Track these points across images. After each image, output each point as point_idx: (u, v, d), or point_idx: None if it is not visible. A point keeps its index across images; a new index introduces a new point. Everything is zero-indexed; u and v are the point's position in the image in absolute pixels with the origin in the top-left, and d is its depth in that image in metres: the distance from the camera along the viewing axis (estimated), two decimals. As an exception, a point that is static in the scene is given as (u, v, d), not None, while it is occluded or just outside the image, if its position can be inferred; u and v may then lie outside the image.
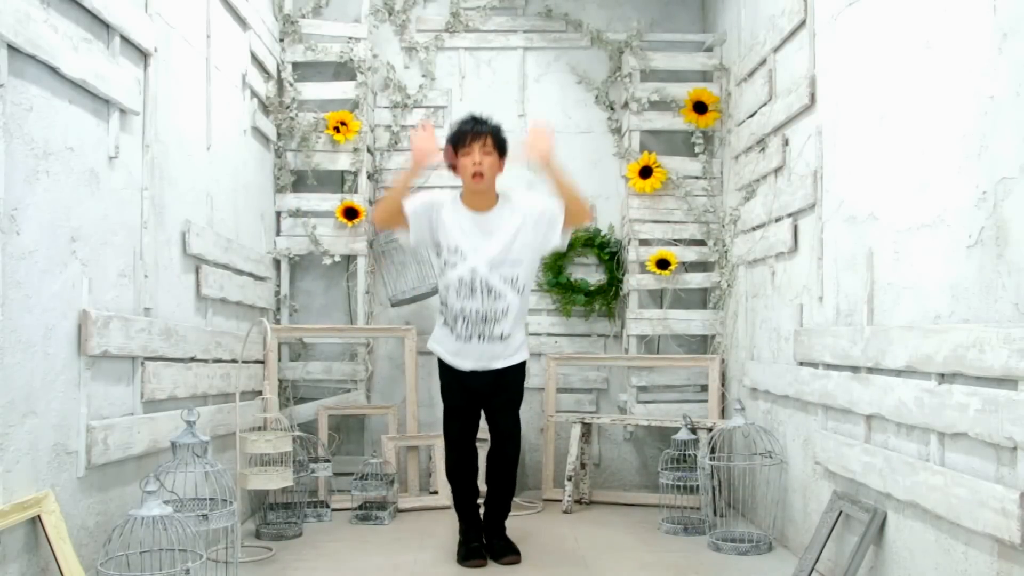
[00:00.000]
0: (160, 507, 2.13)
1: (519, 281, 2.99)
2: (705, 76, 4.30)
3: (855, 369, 2.55)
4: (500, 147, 3.02)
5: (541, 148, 2.96)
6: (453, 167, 3.05)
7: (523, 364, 3.12)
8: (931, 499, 2.08)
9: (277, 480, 3.11)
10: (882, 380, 2.36)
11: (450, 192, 3.12)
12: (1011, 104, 1.82)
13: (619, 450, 4.31)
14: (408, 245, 3.15)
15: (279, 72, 4.12)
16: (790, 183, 3.19)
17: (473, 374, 3.03)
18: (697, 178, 4.23)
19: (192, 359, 2.94)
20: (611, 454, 4.31)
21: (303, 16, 4.23)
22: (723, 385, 4.04)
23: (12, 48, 1.90)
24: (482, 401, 3.11)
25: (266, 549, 3.16)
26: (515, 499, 3.95)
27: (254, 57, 3.72)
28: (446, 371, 3.11)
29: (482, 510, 3.17)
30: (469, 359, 3.02)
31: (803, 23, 3.03)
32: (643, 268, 4.19)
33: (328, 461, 3.77)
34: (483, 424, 3.15)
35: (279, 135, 4.12)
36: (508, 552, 3.06)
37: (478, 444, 3.19)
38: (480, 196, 3.01)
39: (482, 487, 3.18)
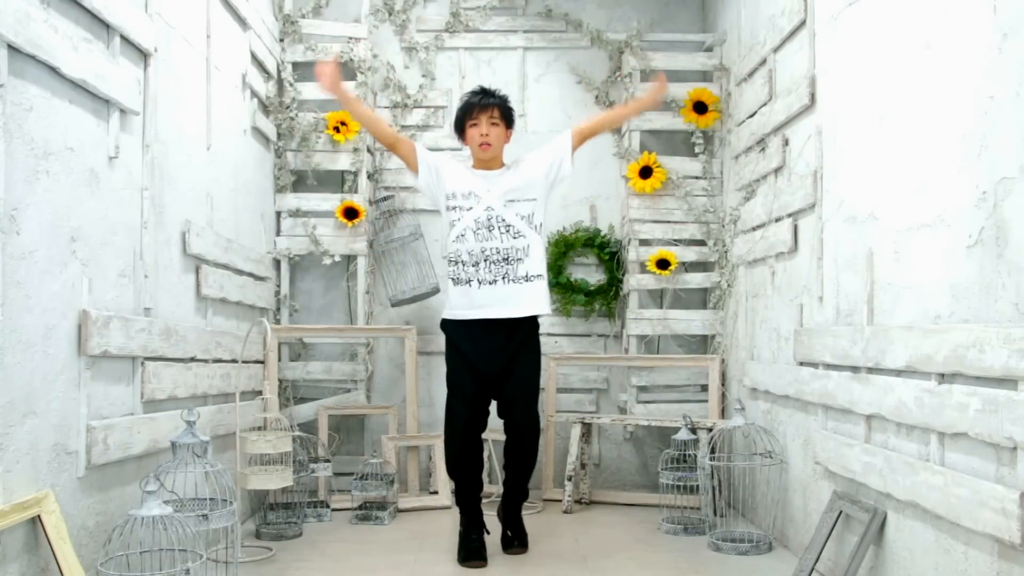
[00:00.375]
0: (160, 507, 2.13)
1: (535, 218, 3.02)
2: (705, 76, 4.30)
3: (855, 369, 2.55)
4: (507, 118, 3.10)
5: (651, 103, 3.34)
6: (462, 137, 3.12)
7: (537, 325, 3.08)
8: (931, 499, 2.08)
9: (277, 480, 3.11)
10: (882, 380, 2.36)
11: (461, 160, 3.22)
12: (1011, 104, 1.82)
13: (619, 450, 4.31)
14: (416, 184, 3.18)
15: (279, 72, 4.12)
16: (790, 183, 3.19)
17: (491, 337, 2.98)
18: (697, 178, 4.23)
19: (192, 359, 2.94)
20: (611, 454, 4.31)
21: (303, 16, 4.23)
22: (723, 385, 4.04)
23: (12, 48, 1.90)
24: (494, 386, 3.05)
25: (266, 549, 3.16)
26: (515, 499, 3.97)
27: (254, 57, 3.72)
28: (455, 353, 3.07)
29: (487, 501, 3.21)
30: (494, 306, 2.97)
31: (803, 23, 3.03)
32: (643, 268, 4.19)
33: (328, 461, 3.77)
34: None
35: (279, 135, 4.12)
36: (513, 544, 3.09)
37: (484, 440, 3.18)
38: (488, 163, 3.09)
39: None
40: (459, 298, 3.03)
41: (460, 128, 3.11)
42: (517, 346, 3.03)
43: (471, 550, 3.02)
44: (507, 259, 2.97)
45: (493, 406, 3.14)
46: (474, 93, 3.11)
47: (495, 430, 3.24)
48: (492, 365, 3.02)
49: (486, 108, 3.04)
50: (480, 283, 2.98)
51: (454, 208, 3.04)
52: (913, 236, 2.25)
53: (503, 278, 2.97)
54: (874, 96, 2.49)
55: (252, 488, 3.08)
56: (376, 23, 4.37)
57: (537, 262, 3.01)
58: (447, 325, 3.10)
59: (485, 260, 2.97)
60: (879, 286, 2.44)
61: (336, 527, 3.56)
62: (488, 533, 3.13)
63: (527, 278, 2.98)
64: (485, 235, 2.98)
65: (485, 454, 4.04)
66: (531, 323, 3.08)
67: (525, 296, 2.99)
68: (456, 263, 3.03)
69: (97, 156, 2.32)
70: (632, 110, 3.52)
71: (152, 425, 2.59)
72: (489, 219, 2.98)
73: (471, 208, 3.00)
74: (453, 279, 3.05)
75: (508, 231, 2.97)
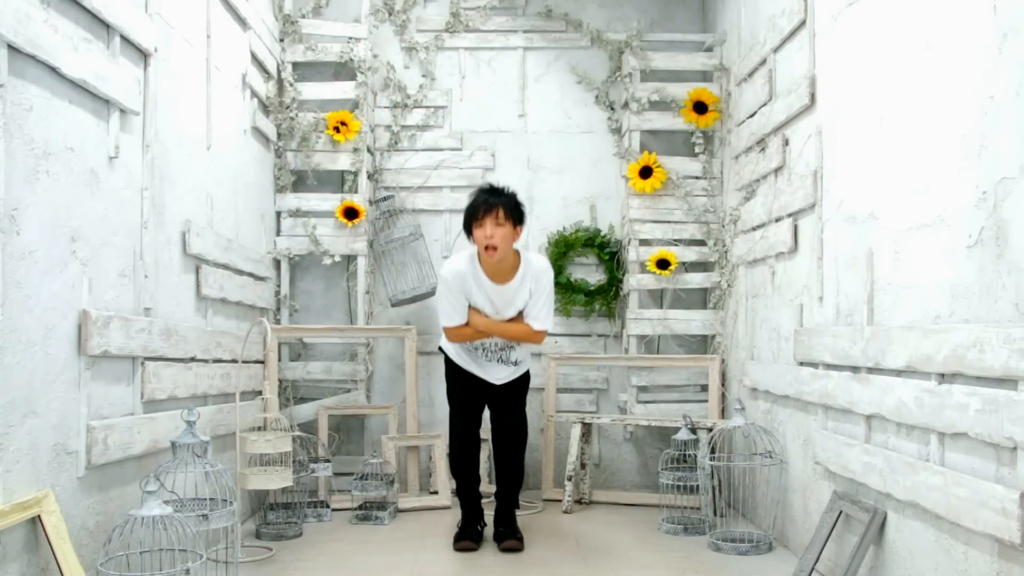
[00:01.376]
0: (160, 507, 2.13)
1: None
2: (705, 76, 4.30)
3: (855, 369, 2.55)
4: (514, 216, 3.09)
5: None
6: (470, 237, 3.15)
7: (527, 373, 3.40)
8: (931, 499, 2.08)
9: (277, 480, 3.11)
10: (882, 380, 2.36)
11: (468, 257, 3.18)
12: (1011, 104, 1.82)
13: (619, 450, 4.31)
14: None
15: (279, 72, 4.12)
16: (790, 183, 3.19)
17: (484, 383, 3.31)
18: (697, 178, 4.23)
19: (192, 359, 2.94)
20: (611, 454, 4.31)
21: (303, 16, 4.23)
22: (723, 385, 4.04)
23: (12, 48, 1.90)
24: (487, 399, 3.34)
25: (266, 549, 3.16)
26: (515, 499, 3.97)
27: (254, 57, 3.72)
28: (453, 372, 3.33)
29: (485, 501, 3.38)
30: (485, 374, 3.29)
31: (803, 23, 3.03)
32: (643, 268, 4.19)
33: (328, 461, 3.77)
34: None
35: (279, 135, 4.12)
36: (508, 537, 3.15)
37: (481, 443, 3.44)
38: (497, 267, 3.13)
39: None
40: (459, 350, 3.30)
41: (468, 228, 3.13)
42: (513, 393, 3.37)
43: (462, 532, 3.20)
44: (503, 348, 3.28)
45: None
46: (481, 191, 3.13)
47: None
48: (488, 385, 3.33)
49: (491, 210, 3.03)
50: (475, 359, 3.29)
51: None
52: (913, 236, 2.25)
53: (498, 360, 3.29)
54: (874, 96, 2.49)
55: (252, 488, 3.08)
56: (376, 23, 4.37)
57: (521, 351, 3.33)
58: (447, 358, 3.36)
59: (484, 349, 3.28)
60: (879, 286, 2.44)
61: (336, 527, 3.56)
62: (484, 526, 3.31)
63: (516, 362, 3.31)
64: (484, 336, 3.24)
65: (484, 454, 4.06)
66: (521, 378, 3.41)
67: (516, 370, 3.33)
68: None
69: (97, 156, 2.32)
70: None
71: (152, 425, 2.59)
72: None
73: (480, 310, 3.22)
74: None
75: (503, 340, 3.26)
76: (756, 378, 3.53)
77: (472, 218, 3.08)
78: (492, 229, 3.02)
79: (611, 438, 4.31)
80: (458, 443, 3.31)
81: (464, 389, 3.31)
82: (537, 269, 3.17)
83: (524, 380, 3.39)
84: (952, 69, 2.06)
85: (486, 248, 3.05)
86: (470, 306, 3.18)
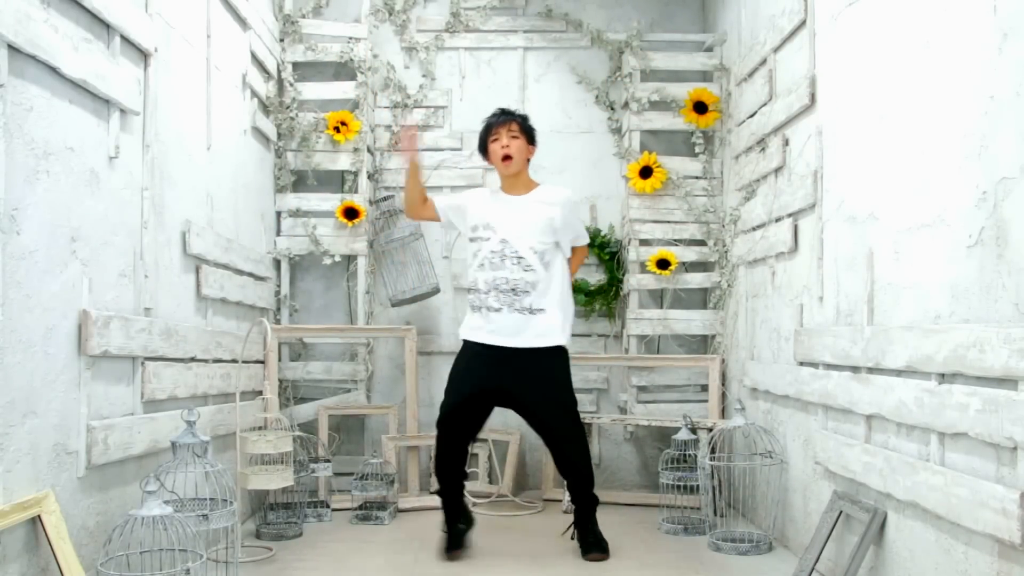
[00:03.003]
0: (160, 507, 2.13)
1: (547, 255, 3.10)
2: (705, 76, 4.30)
3: (855, 369, 2.55)
4: (527, 133, 3.22)
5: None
6: (487, 158, 3.24)
7: (556, 353, 3.10)
8: (931, 499, 2.08)
9: (277, 480, 3.12)
10: (882, 380, 2.36)
11: (490, 187, 3.30)
12: (1011, 104, 1.82)
13: (619, 450, 4.31)
14: (442, 226, 3.44)
15: (279, 72, 4.12)
16: (790, 183, 3.19)
17: (492, 361, 3.06)
18: (697, 178, 4.23)
19: (192, 359, 2.94)
20: (611, 454, 4.31)
21: (303, 16, 4.23)
22: (723, 385, 4.04)
23: (12, 48, 1.90)
24: (495, 399, 3.11)
25: (266, 549, 3.16)
26: (515, 499, 3.97)
27: (254, 57, 3.72)
28: (462, 360, 3.15)
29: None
30: (500, 333, 3.05)
31: (803, 23, 3.03)
32: (643, 268, 4.19)
33: (328, 461, 3.77)
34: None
35: (279, 135, 4.12)
36: (594, 549, 3.06)
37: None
38: (514, 180, 3.20)
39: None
40: (474, 320, 3.14)
41: (484, 148, 3.23)
42: (534, 380, 3.06)
43: (450, 539, 3.11)
44: (515, 290, 3.06)
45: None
46: (492, 115, 3.25)
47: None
48: (491, 381, 3.08)
49: (505, 123, 3.18)
50: (490, 309, 3.08)
51: (476, 239, 3.17)
52: (913, 236, 2.25)
53: (508, 306, 3.05)
54: (874, 96, 2.49)
55: (253, 488, 3.09)
56: (376, 23, 4.37)
57: (545, 296, 3.07)
58: (466, 344, 3.18)
59: (496, 288, 3.07)
60: (879, 286, 2.44)
61: (336, 527, 3.56)
62: (464, 526, 3.16)
63: (531, 310, 3.06)
64: (498, 264, 3.08)
65: (485, 454, 4.06)
66: (546, 357, 3.08)
67: (529, 327, 3.06)
68: (474, 291, 3.14)
69: (97, 156, 2.32)
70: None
71: (152, 425, 2.59)
72: (502, 249, 3.09)
73: (488, 239, 3.12)
74: (471, 306, 3.16)
75: (519, 263, 3.07)
76: (756, 378, 3.53)
77: (487, 134, 3.20)
78: (507, 139, 3.15)
79: (611, 438, 4.31)
80: (440, 432, 3.13)
81: (469, 379, 3.10)
82: (557, 193, 3.21)
83: (554, 369, 3.08)
84: (952, 69, 2.06)
85: (503, 159, 3.15)
86: (474, 236, 3.15)
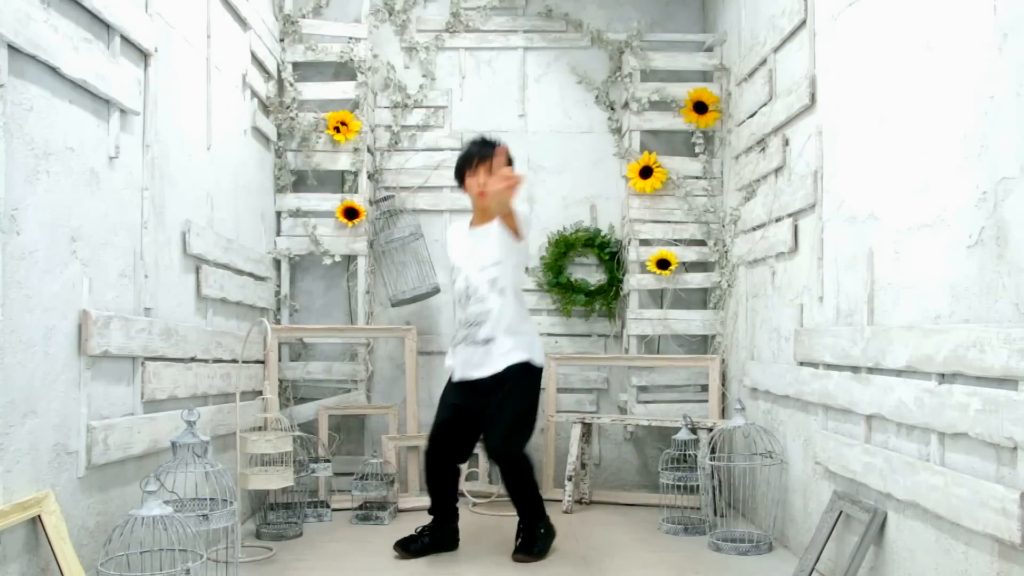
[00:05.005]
0: (160, 507, 2.13)
1: (499, 282, 3.08)
2: (705, 76, 4.30)
3: (855, 369, 2.55)
4: (508, 161, 3.14)
5: (502, 197, 2.85)
6: (462, 186, 3.21)
7: (514, 372, 3.05)
8: (931, 499, 2.08)
9: (278, 480, 3.12)
10: (882, 380, 2.36)
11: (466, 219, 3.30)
12: (1011, 104, 1.82)
13: (619, 450, 4.31)
14: None
15: (279, 72, 4.12)
16: (790, 183, 3.19)
17: (468, 390, 3.12)
18: (697, 178, 4.23)
19: (192, 359, 2.94)
20: (611, 454, 4.31)
21: (303, 16, 4.23)
22: (723, 385, 4.04)
23: (12, 48, 1.90)
24: (478, 417, 3.11)
25: (266, 549, 3.16)
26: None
27: (254, 57, 3.72)
28: (448, 382, 3.24)
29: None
30: (467, 366, 3.12)
31: (803, 23, 3.03)
32: (643, 268, 4.19)
33: (328, 461, 3.77)
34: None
35: (279, 135, 4.12)
36: (518, 550, 3.08)
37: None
38: (484, 212, 3.12)
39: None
40: (449, 356, 3.23)
41: (460, 177, 3.20)
42: (501, 397, 3.06)
43: (403, 540, 3.11)
44: (470, 324, 3.11)
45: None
46: (474, 142, 3.21)
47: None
48: (472, 404, 3.12)
49: (484, 159, 3.09)
50: (457, 344, 3.18)
51: (454, 280, 3.22)
52: (913, 236, 2.25)
53: (464, 340, 3.13)
54: (874, 96, 2.49)
55: (253, 488, 3.09)
56: (376, 23, 4.37)
57: (498, 325, 3.06)
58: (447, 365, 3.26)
59: (463, 325, 3.15)
60: (879, 286, 2.44)
61: (336, 527, 3.56)
62: (427, 541, 3.13)
63: (485, 341, 3.07)
64: (464, 303, 3.15)
65: (485, 455, 4.05)
66: (508, 376, 3.06)
67: (488, 357, 3.08)
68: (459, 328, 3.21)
69: (97, 156, 2.32)
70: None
71: (152, 425, 2.59)
72: (466, 288, 3.14)
73: (455, 280, 3.20)
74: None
75: (475, 296, 3.11)
76: (756, 378, 3.53)
77: (466, 166, 3.15)
78: (485, 177, 3.08)
79: (611, 438, 4.31)
80: (427, 446, 3.20)
81: (448, 392, 3.22)
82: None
83: (510, 386, 3.05)
84: (952, 69, 2.06)
85: (478, 194, 3.11)
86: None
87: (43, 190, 2.05)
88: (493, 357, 3.07)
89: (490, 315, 3.07)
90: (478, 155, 3.12)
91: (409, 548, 3.09)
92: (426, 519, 3.22)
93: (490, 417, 3.06)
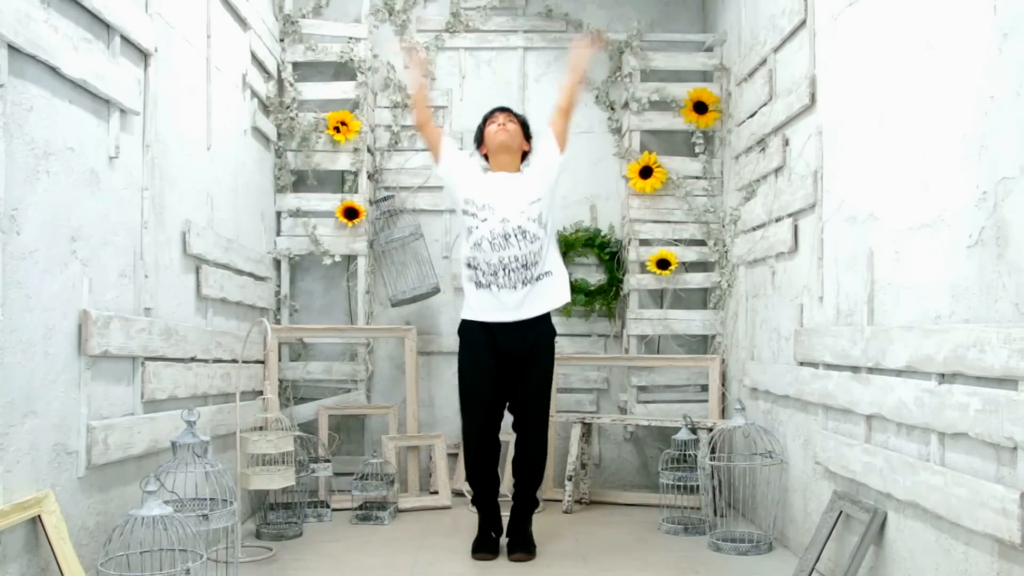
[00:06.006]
0: (160, 507, 2.13)
1: (543, 217, 3.11)
2: (705, 76, 4.30)
3: (855, 369, 2.55)
4: (524, 125, 3.28)
5: (583, 59, 3.22)
6: (481, 146, 3.27)
7: (553, 332, 3.18)
8: (931, 499, 2.08)
9: (278, 480, 3.12)
10: (882, 380, 2.36)
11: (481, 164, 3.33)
12: (1011, 104, 1.82)
13: (619, 450, 4.31)
14: (436, 170, 3.35)
15: (279, 72, 4.12)
16: (790, 183, 3.19)
17: (512, 336, 3.07)
18: (697, 178, 4.23)
19: (192, 359, 2.94)
20: (611, 454, 4.31)
21: (303, 16, 4.23)
22: (723, 385, 4.04)
23: (12, 48, 1.90)
24: (507, 387, 3.13)
25: (266, 549, 3.16)
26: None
27: (254, 57, 3.72)
28: (471, 356, 3.13)
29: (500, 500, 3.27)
30: (521, 307, 3.06)
31: (803, 23, 3.03)
32: (643, 268, 4.19)
33: (328, 461, 3.77)
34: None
35: (279, 135, 4.12)
36: (517, 549, 3.09)
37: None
38: (506, 159, 3.19)
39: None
40: (482, 300, 3.10)
41: (480, 137, 3.27)
42: (531, 347, 3.10)
43: (480, 542, 3.12)
44: (525, 265, 3.06)
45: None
46: (492, 108, 3.32)
47: (507, 430, 3.24)
48: (510, 361, 3.09)
49: (504, 110, 3.26)
50: (500, 288, 3.06)
51: (470, 215, 3.11)
52: (913, 236, 2.25)
53: (523, 282, 3.06)
54: (874, 96, 2.49)
55: (253, 488, 3.09)
56: (376, 23, 4.37)
57: (551, 259, 3.12)
58: (467, 327, 3.15)
59: (504, 269, 3.06)
60: (879, 286, 2.44)
61: (336, 527, 3.56)
62: (500, 534, 3.19)
63: (538, 277, 3.08)
64: (502, 244, 3.05)
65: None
66: (546, 323, 3.15)
67: (545, 292, 3.10)
68: (474, 268, 3.10)
69: (97, 156, 2.32)
70: (573, 75, 3.27)
71: (152, 425, 2.59)
72: (505, 230, 3.05)
73: (487, 219, 3.07)
74: (474, 282, 3.11)
75: (524, 237, 3.05)
76: (756, 378, 3.53)
77: (486, 121, 3.25)
78: (504, 119, 3.20)
79: (611, 438, 4.31)
80: (474, 450, 3.15)
81: (476, 373, 3.10)
82: (544, 153, 3.21)
83: (550, 356, 3.18)
84: (952, 69, 2.06)
85: (497, 129, 3.18)
86: (468, 210, 3.12)
87: (43, 190, 2.05)
88: (547, 293, 3.10)
89: (543, 250, 3.09)
90: (497, 109, 3.27)
91: (492, 548, 3.11)
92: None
93: (524, 403, 3.13)
